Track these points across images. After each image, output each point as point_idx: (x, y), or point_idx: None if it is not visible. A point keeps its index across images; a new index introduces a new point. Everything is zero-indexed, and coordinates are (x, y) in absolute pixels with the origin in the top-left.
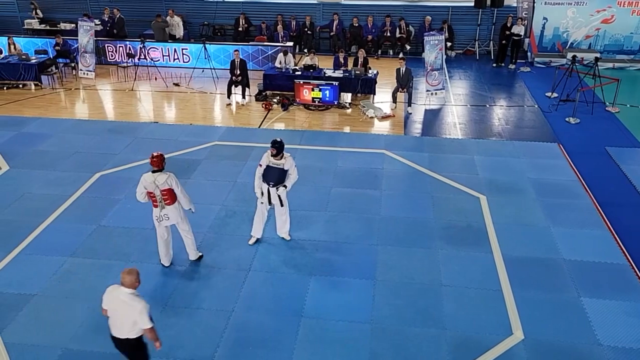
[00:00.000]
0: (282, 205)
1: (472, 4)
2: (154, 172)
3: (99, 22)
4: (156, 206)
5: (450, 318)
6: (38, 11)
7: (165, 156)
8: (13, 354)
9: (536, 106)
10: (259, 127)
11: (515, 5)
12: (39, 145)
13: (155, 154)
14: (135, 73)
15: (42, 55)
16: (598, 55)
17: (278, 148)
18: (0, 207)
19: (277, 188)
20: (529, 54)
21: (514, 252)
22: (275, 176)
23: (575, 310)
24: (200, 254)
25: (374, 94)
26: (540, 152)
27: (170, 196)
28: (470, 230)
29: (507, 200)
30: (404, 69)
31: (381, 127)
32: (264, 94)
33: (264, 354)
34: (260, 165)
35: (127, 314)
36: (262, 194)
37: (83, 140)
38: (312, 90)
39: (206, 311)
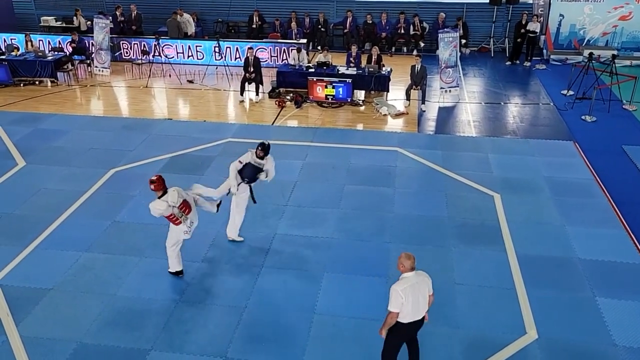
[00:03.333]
0: (254, 202)
1: (487, 1)
2: (160, 197)
3: (110, 21)
4: (179, 223)
5: (463, 316)
6: (80, 16)
7: (180, 153)
8: (29, 347)
9: (552, 104)
10: (272, 124)
11: (530, 2)
12: (55, 141)
13: (153, 178)
14: (150, 70)
15: (59, 53)
16: (615, 52)
17: (265, 151)
18: (16, 203)
19: (251, 185)
20: (544, 51)
21: (528, 251)
22: (252, 174)
23: (590, 310)
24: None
25: (388, 91)
26: (556, 150)
27: (186, 206)
28: (484, 229)
29: (522, 198)
30: (419, 67)
31: (394, 125)
32: (277, 91)
33: (276, 350)
34: (240, 162)
35: (425, 292)
36: (237, 189)
37: (98, 137)
38: (326, 87)
39: (219, 307)
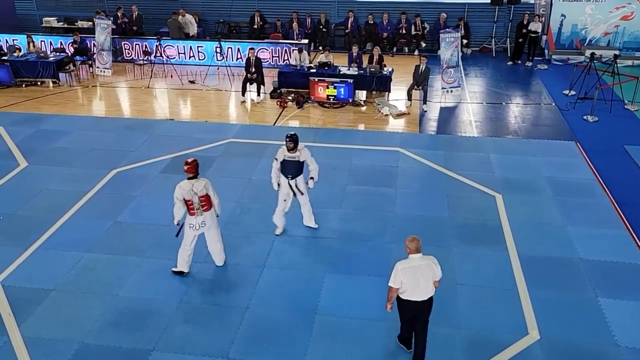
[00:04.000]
0: (302, 193)
1: (489, 1)
2: (189, 179)
3: (111, 21)
4: (193, 214)
5: (464, 317)
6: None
7: (182, 153)
8: (31, 348)
9: (553, 104)
10: (274, 124)
11: (532, 2)
12: (57, 142)
13: (189, 160)
14: (152, 70)
15: (60, 54)
16: (617, 52)
17: (294, 142)
18: (18, 203)
19: (296, 180)
20: (546, 51)
21: (530, 251)
22: (292, 169)
23: (592, 311)
24: (225, 258)
25: (389, 91)
26: (557, 150)
27: (207, 202)
28: (486, 229)
29: (523, 198)
30: (423, 67)
31: (396, 125)
32: (278, 91)
33: (279, 350)
34: (276, 160)
35: (428, 275)
36: (279, 185)
37: (100, 137)
38: (327, 87)
39: (221, 307)
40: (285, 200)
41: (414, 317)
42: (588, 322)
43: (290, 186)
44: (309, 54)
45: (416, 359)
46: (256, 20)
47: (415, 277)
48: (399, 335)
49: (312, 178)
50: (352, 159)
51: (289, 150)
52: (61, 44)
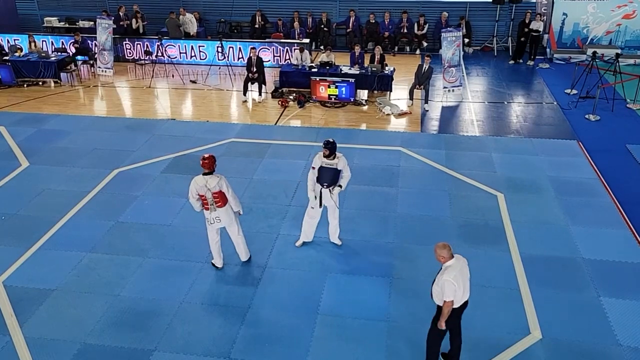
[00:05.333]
0: (337, 207)
1: (490, 0)
2: (205, 174)
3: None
4: (207, 209)
5: (466, 317)
6: (139, 18)
7: (183, 153)
8: (33, 348)
9: (555, 103)
10: (276, 124)
11: (534, 1)
12: (59, 142)
13: (206, 155)
14: (153, 70)
15: (62, 54)
16: (619, 51)
17: (331, 149)
18: (20, 203)
19: (330, 189)
20: (547, 50)
21: (532, 251)
22: (329, 177)
23: (594, 310)
24: (250, 254)
25: (391, 90)
26: (559, 149)
27: (221, 199)
28: (488, 229)
29: (525, 198)
30: (426, 67)
31: (398, 125)
32: (280, 91)
33: (280, 351)
34: (314, 168)
35: (467, 273)
36: (315, 197)
37: (101, 137)
38: (329, 87)
39: (222, 307)
40: (313, 208)
41: (458, 317)
42: (590, 321)
43: (322, 195)
44: (310, 54)
45: (454, 354)
46: (257, 20)
47: (463, 281)
48: (442, 353)
49: (339, 186)
50: (354, 159)
51: (326, 157)
52: (62, 43)
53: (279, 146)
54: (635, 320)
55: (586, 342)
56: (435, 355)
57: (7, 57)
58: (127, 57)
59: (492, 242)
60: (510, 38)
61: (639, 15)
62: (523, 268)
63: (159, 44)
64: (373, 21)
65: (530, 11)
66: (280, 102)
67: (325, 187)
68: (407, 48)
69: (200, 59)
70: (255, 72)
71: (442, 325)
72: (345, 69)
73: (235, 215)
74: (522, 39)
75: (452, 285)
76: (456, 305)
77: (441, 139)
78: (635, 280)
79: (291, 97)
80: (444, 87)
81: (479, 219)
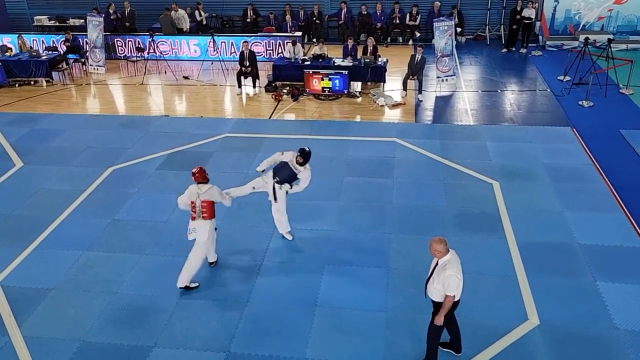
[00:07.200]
0: (276, 200)
1: None
2: (199, 183)
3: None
4: (193, 218)
5: (464, 305)
6: (201, 11)
7: (178, 150)
8: (32, 347)
9: (548, 90)
10: (270, 118)
11: None
12: (52, 141)
13: (194, 170)
14: (145, 67)
15: (53, 52)
16: (611, 36)
17: (305, 158)
18: (16, 203)
19: (281, 186)
20: (540, 37)
21: (528, 238)
22: (286, 176)
23: (591, 295)
24: (195, 284)
25: (384, 82)
26: (554, 136)
27: (208, 210)
28: (484, 217)
29: (521, 185)
30: (419, 57)
31: (392, 115)
32: (273, 84)
33: (279, 344)
34: (282, 154)
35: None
36: (264, 171)
37: (95, 135)
38: (322, 79)
39: (221, 302)
40: (253, 187)
41: (452, 310)
42: (587, 306)
43: (274, 188)
44: (302, 47)
45: (455, 341)
46: (249, 14)
47: (462, 274)
48: (441, 343)
49: (290, 186)
50: (349, 151)
51: (297, 163)
52: (53, 42)
53: (273, 140)
54: (631, 304)
55: (584, 326)
56: (435, 349)
57: None
58: (118, 55)
59: (488, 230)
60: (502, 26)
61: (630, 1)
62: (519, 255)
63: (150, 40)
64: (365, 12)
65: None
66: (273, 96)
67: (276, 181)
68: (400, 39)
69: (193, 55)
70: (248, 67)
71: (441, 320)
72: (338, 61)
73: (212, 241)
74: (514, 26)
75: (456, 280)
76: (457, 298)
77: (435, 129)
78: (631, 264)
79: (285, 90)
80: (438, 77)
81: (475, 207)
